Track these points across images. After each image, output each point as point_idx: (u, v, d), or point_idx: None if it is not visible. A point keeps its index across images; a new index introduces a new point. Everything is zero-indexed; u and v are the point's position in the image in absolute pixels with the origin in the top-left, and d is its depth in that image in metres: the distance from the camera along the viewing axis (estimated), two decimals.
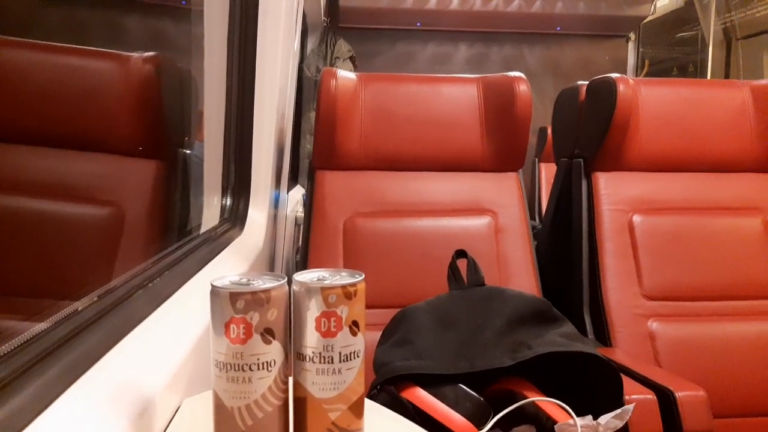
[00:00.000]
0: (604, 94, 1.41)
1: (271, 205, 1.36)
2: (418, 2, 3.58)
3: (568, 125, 1.57)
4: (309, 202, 1.41)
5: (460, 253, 0.98)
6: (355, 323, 0.44)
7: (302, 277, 0.45)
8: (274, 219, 1.44)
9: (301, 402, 0.45)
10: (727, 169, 1.47)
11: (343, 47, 3.46)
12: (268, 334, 0.42)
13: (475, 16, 3.68)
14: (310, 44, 3.44)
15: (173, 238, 1.07)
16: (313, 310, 0.43)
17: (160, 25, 1.22)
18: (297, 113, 2.29)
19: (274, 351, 0.43)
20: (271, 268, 1.46)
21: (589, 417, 0.74)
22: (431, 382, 0.78)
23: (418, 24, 3.80)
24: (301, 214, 1.71)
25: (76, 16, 0.89)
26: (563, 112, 1.63)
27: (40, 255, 0.72)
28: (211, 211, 1.21)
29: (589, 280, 1.40)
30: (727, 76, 3.49)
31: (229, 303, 0.41)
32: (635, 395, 0.99)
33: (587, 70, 3.87)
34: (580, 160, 1.48)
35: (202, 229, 1.14)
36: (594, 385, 0.85)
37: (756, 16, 3.25)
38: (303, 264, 1.38)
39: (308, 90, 3.11)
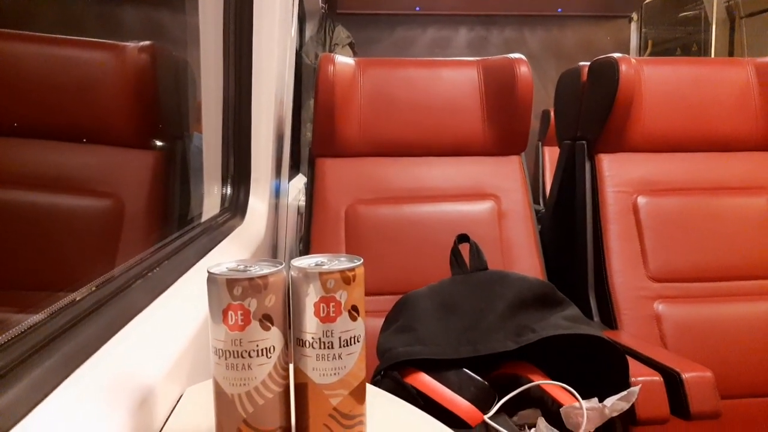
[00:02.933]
0: (606, 74, 1.39)
1: (272, 193, 1.35)
2: None
3: (571, 107, 1.55)
4: (310, 190, 1.40)
5: (463, 238, 0.97)
6: (354, 308, 0.44)
7: (300, 262, 0.45)
8: (275, 208, 1.43)
9: (301, 388, 0.44)
10: (732, 149, 1.46)
11: (341, 34, 3.43)
12: (266, 320, 0.42)
13: None
14: (309, 31, 3.41)
15: (173, 228, 1.06)
16: (311, 296, 0.43)
17: (155, 14, 1.21)
18: (297, 101, 2.28)
19: (273, 337, 0.42)
20: (274, 256, 1.45)
21: (595, 399, 0.73)
22: (435, 367, 0.78)
23: (417, 8, 3.77)
24: (303, 202, 1.70)
25: (70, 7, 0.88)
26: (565, 94, 1.62)
27: (39, 248, 0.72)
28: (211, 200, 1.21)
29: (594, 263, 1.39)
30: (731, 54, 3.45)
31: (227, 290, 0.41)
32: (641, 377, 0.99)
33: (589, 52, 3.82)
34: (583, 142, 1.46)
35: (203, 219, 1.13)
36: (600, 367, 0.84)
37: None
38: (305, 252, 1.38)
39: (308, 78, 3.09)
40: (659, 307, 1.30)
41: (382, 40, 3.85)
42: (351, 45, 3.46)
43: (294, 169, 2.61)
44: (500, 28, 3.95)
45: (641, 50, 4.05)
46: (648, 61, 1.48)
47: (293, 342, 0.45)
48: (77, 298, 0.52)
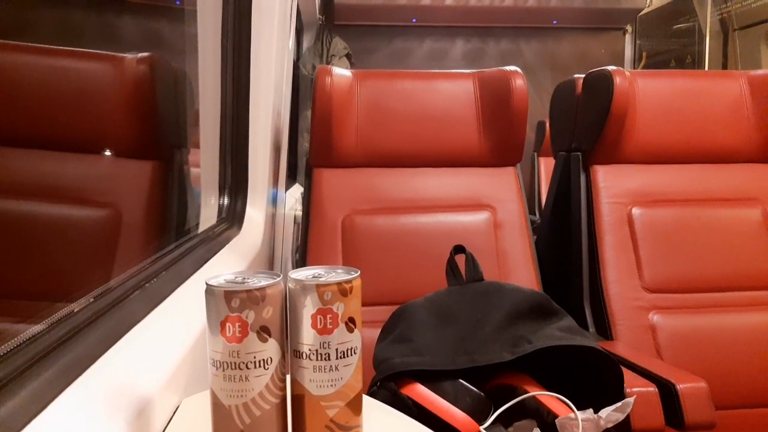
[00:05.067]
0: (600, 86, 1.41)
1: (269, 203, 1.35)
2: None
3: (566, 119, 1.57)
4: (307, 200, 1.40)
5: (459, 249, 0.98)
6: (351, 320, 0.44)
7: (297, 274, 0.45)
8: (272, 218, 1.43)
9: (298, 399, 0.45)
10: (726, 160, 1.47)
11: (339, 45, 3.45)
12: (264, 332, 0.42)
13: (471, 11, 3.67)
14: (306, 42, 3.43)
15: (171, 238, 1.06)
16: (308, 308, 0.43)
17: (153, 25, 1.21)
18: (294, 111, 2.28)
19: (270, 349, 0.43)
20: (270, 267, 1.45)
21: (590, 410, 0.73)
22: (431, 378, 0.78)
23: (414, 20, 3.79)
24: (299, 212, 1.70)
25: (70, 17, 0.89)
26: (560, 106, 1.63)
27: (37, 258, 0.72)
28: (208, 210, 1.21)
29: (589, 274, 1.40)
30: (724, 67, 3.48)
31: (224, 301, 0.41)
32: (636, 388, 0.99)
33: (584, 64, 3.87)
34: (578, 153, 1.48)
35: (200, 229, 1.14)
36: (595, 378, 0.85)
37: (752, 6, 3.25)
38: (302, 262, 1.38)
39: (305, 88, 3.11)
40: (654, 317, 1.30)
41: (379, 52, 3.87)
42: (348, 56, 3.48)
43: (291, 179, 2.62)
44: (496, 39, 3.98)
45: (636, 62, 4.09)
46: (642, 73, 1.49)
47: (290, 353, 0.45)
48: (75, 309, 0.52)
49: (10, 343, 0.42)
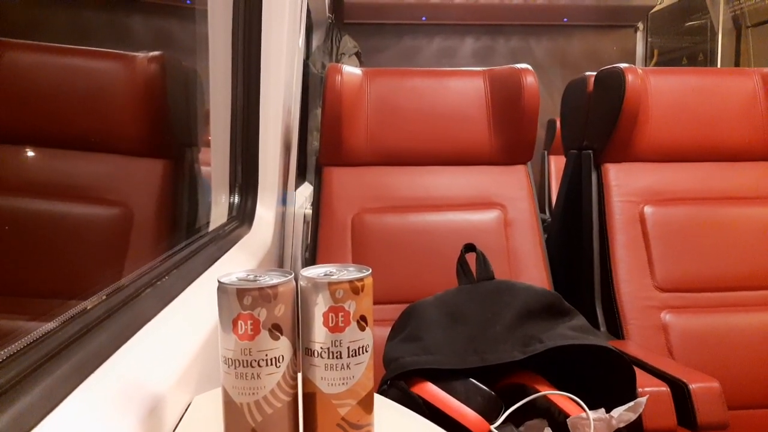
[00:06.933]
0: (612, 84, 1.40)
1: (279, 202, 1.36)
2: None
3: (577, 117, 1.56)
4: (316, 199, 1.40)
5: (469, 248, 0.97)
6: (363, 318, 0.44)
7: (309, 272, 0.45)
8: (282, 216, 1.44)
9: (310, 397, 0.45)
10: (739, 158, 1.45)
11: (348, 43, 3.45)
12: (275, 329, 0.42)
13: (481, 9, 3.66)
14: (316, 41, 3.43)
15: (182, 236, 1.07)
16: (320, 306, 0.43)
17: (164, 25, 1.22)
18: (303, 110, 2.29)
19: (282, 347, 0.42)
20: (280, 265, 1.46)
21: (602, 410, 0.73)
22: (442, 377, 0.78)
23: (424, 18, 3.78)
24: (309, 211, 1.70)
25: (80, 17, 0.89)
26: (571, 104, 1.62)
27: (49, 256, 0.73)
28: (219, 209, 1.21)
29: (600, 273, 1.39)
30: (737, 64, 3.44)
31: (237, 299, 0.41)
32: (648, 387, 0.98)
33: (595, 62, 3.84)
34: (590, 151, 1.47)
35: (211, 227, 1.14)
36: (606, 378, 0.84)
37: (765, 3, 3.21)
38: (312, 261, 1.38)
39: (314, 87, 3.11)
40: (666, 317, 1.29)
41: (389, 50, 3.86)
42: (357, 54, 3.48)
43: (300, 178, 2.62)
44: (506, 37, 3.96)
45: (647, 60, 4.06)
46: (654, 71, 1.48)
47: (302, 351, 0.45)
48: (88, 307, 0.52)
49: (23, 340, 0.42)
